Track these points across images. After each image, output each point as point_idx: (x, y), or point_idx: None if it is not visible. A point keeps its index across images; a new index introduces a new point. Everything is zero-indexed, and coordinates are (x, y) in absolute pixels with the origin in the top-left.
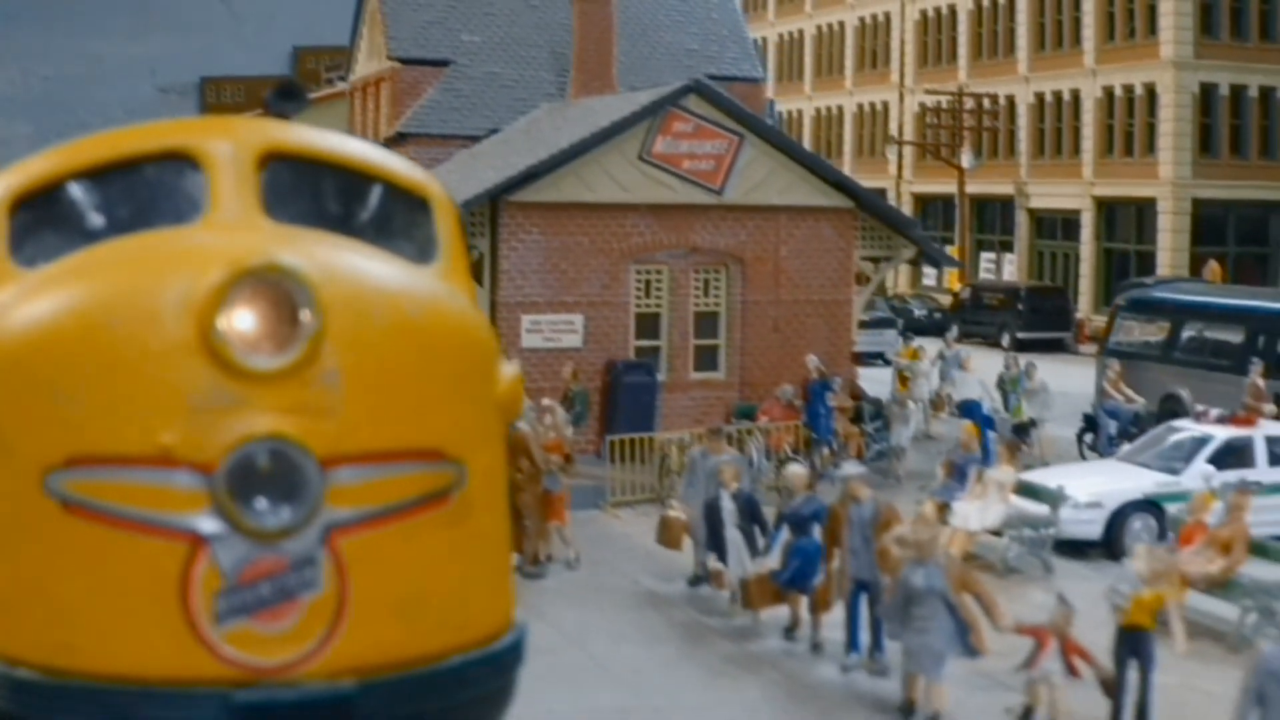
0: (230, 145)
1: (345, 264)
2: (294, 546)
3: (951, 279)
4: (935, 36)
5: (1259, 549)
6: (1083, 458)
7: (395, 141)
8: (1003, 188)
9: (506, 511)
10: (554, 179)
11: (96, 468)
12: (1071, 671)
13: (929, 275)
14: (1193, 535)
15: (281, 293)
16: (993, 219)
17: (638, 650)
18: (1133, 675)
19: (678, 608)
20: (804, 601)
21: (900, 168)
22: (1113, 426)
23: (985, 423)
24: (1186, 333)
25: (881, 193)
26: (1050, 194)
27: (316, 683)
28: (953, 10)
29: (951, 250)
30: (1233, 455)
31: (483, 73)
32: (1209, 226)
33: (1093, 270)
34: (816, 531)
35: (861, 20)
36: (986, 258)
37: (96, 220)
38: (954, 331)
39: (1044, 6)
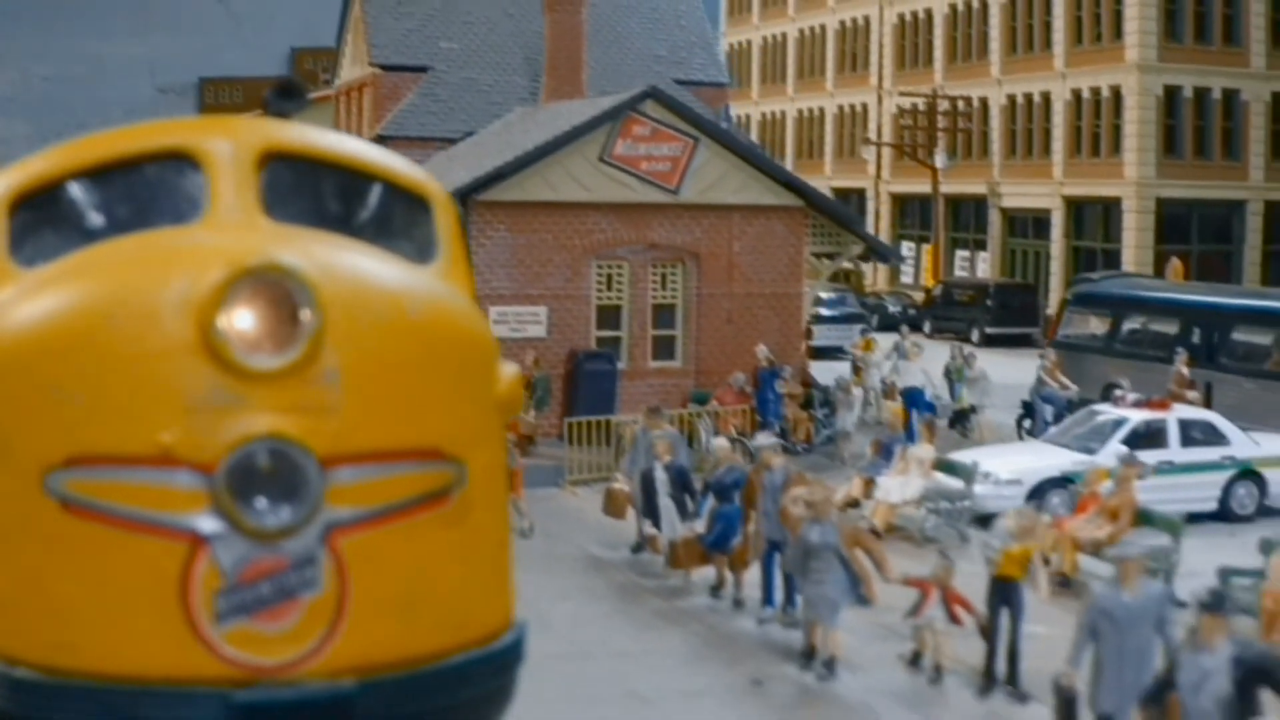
0: (230, 145)
1: (345, 263)
2: (294, 546)
3: (927, 276)
4: (912, 40)
5: (1144, 517)
6: (1021, 440)
7: (376, 144)
8: (976, 187)
9: (507, 511)
10: (520, 179)
11: (96, 467)
12: (953, 619)
13: (906, 273)
14: (1087, 505)
15: (281, 292)
16: (967, 218)
17: (578, 607)
18: (1005, 621)
19: (619, 571)
20: (727, 561)
21: (879, 168)
22: (1049, 412)
23: (926, 408)
24: (1127, 325)
25: (860, 192)
26: (1022, 193)
27: (316, 682)
28: (929, 14)
29: (927, 249)
30: (1146, 437)
31: (460, 78)
32: (1173, 225)
33: (1062, 267)
34: (739, 498)
35: (842, 24)
36: (961, 256)
37: (96, 220)
38: (908, 326)
39: (1016, 11)
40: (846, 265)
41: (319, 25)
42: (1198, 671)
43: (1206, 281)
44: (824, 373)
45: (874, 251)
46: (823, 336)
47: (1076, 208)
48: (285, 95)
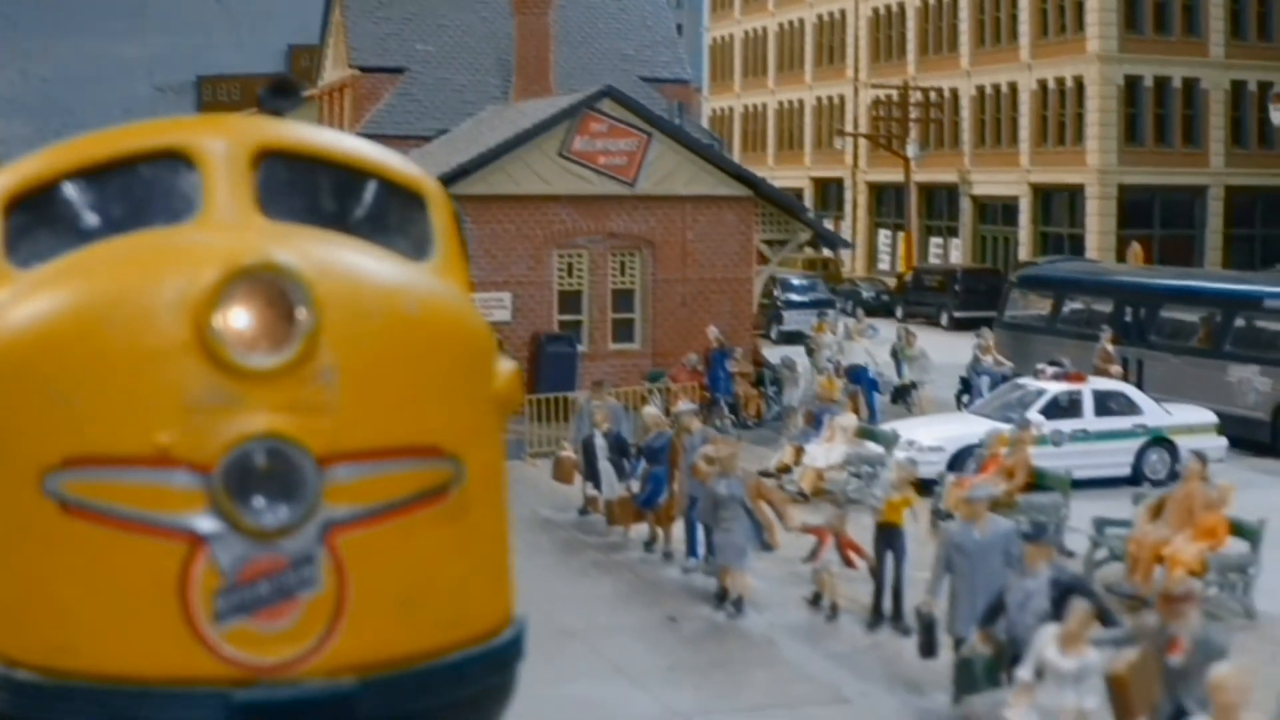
0: (224, 143)
1: (341, 261)
2: (292, 545)
3: (902, 263)
4: (886, 33)
5: (1039, 476)
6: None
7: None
8: (948, 176)
9: (505, 507)
10: (484, 174)
11: (94, 468)
12: (847, 563)
13: (883, 260)
14: (989, 466)
15: (277, 290)
16: (940, 205)
17: (522, 560)
18: (890, 563)
19: (564, 530)
20: (656, 517)
21: (856, 158)
22: (985, 387)
23: (870, 385)
24: (1067, 306)
25: (839, 182)
26: (991, 181)
27: (316, 681)
28: (902, 8)
29: (903, 236)
30: (1063, 407)
31: (435, 78)
32: (1136, 210)
33: (1030, 253)
34: (666, 460)
35: (820, 18)
36: (935, 242)
37: (91, 220)
38: (862, 311)
39: (984, 4)
40: (826, 254)
41: (315, 22)
42: (1022, 593)
43: (1169, 265)
44: (793, 355)
45: (821, 238)
46: (792, 321)
47: (1043, 195)
48: (279, 93)
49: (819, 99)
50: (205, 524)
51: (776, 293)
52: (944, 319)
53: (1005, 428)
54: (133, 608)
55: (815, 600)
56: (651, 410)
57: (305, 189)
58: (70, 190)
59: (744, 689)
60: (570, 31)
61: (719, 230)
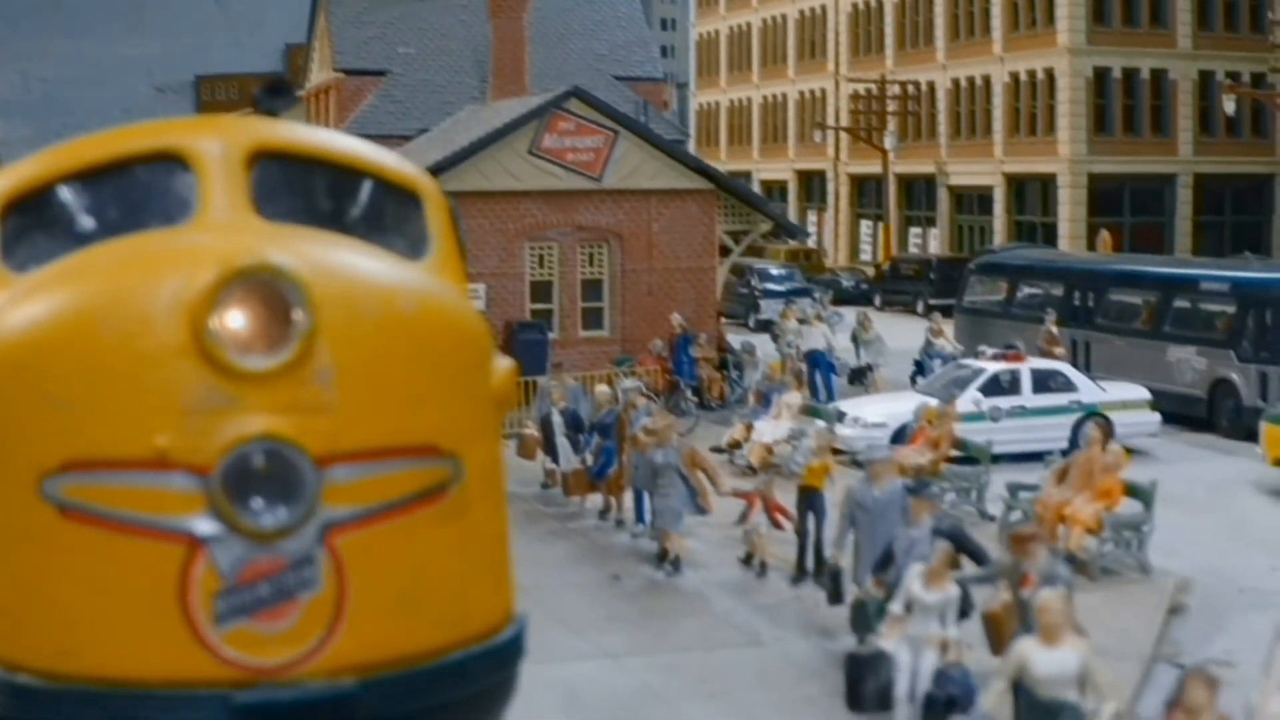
0: (219, 144)
1: (337, 261)
2: (292, 546)
3: (883, 253)
4: (865, 28)
5: (962, 446)
6: None
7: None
8: (926, 167)
9: (504, 505)
10: (458, 172)
11: (92, 472)
12: (775, 524)
13: (866, 250)
14: (917, 438)
15: (273, 292)
16: (919, 196)
17: None
18: (811, 523)
19: (525, 502)
20: (607, 487)
21: (837, 151)
22: (936, 368)
23: (827, 368)
24: (1021, 291)
25: (821, 174)
26: (967, 172)
27: (317, 682)
28: (880, 2)
29: (882, 226)
30: (1001, 385)
31: (416, 80)
32: (1106, 199)
33: (1005, 241)
34: (615, 435)
35: (801, 13)
36: (915, 232)
37: (87, 223)
38: (829, 295)
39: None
40: (811, 245)
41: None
42: (908, 540)
43: (1140, 252)
44: (754, 341)
45: (782, 228)
46: (769, 310)
47: (1017, 184)
48: (274, 93)
49: (802, 93)
50: (204, 526)
51: (754, 282)
52: (920, 306)
53: (934, 403)
54: (133, 611)
55: (747, 560)
56: (603, 389)
57: (301, 189)
58: (66, 193)
59: (671, 635)
60: (546, 33)
61: (683, 222)
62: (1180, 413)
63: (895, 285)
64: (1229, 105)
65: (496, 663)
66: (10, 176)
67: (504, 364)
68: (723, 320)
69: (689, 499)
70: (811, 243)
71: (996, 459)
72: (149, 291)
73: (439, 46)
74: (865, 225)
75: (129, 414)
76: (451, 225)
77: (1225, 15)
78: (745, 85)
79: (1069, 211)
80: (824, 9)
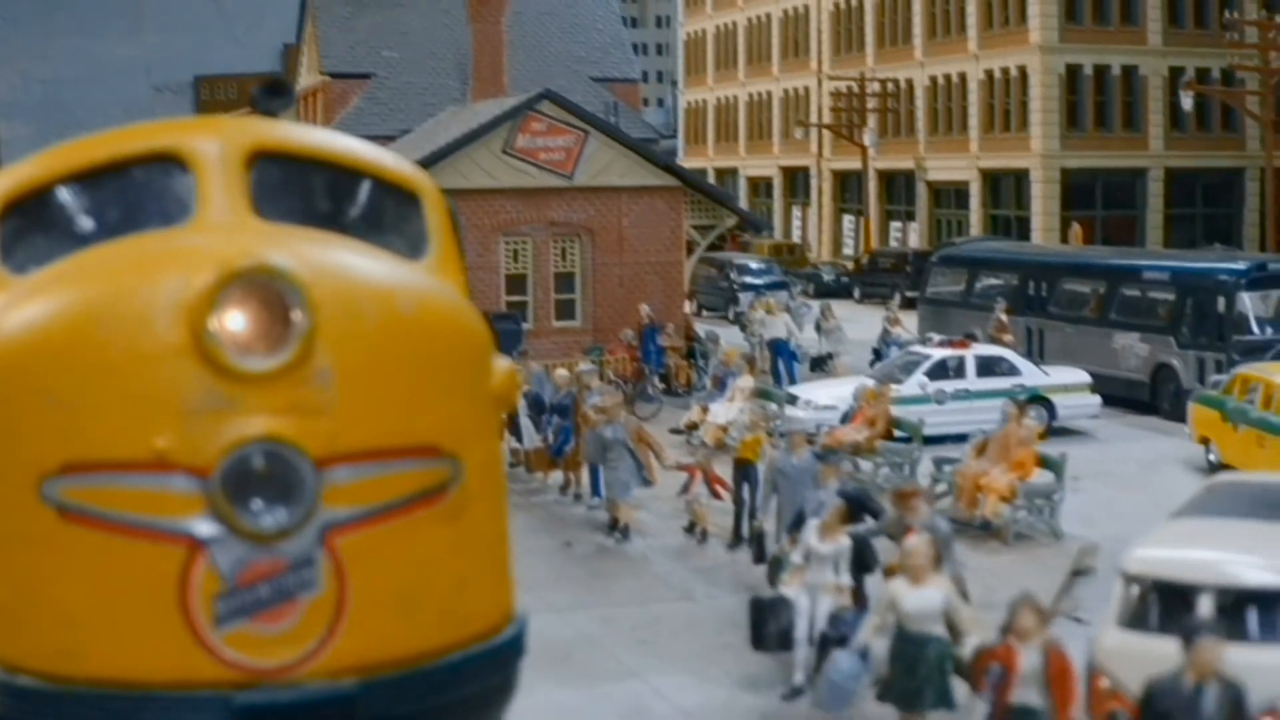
0: (218, 145)
1: (336, 262)
2: (292, 547)
3: (864, 247)
4: (847, 26)
5: (897, 424)
6: None
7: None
8: (905, 163)
9: (504, 504)
10: (435, 171)
11: (92, 473)
12: (714, 495)
13: (849, 244)
14: (857, 417)
15: (272, 293)
16: (899, 191)
17: None
18: (745, 493)
19: None
20: (565, 464)
21: (820, 147)
22: (893, 355)
23: (789, 356)
24: (979, 282)
25: (805, 170)
26: (944, 167)
27: (317, 683)
28: (860, 2)
29: (863, 220)
30: (947, 370)
31: (400, 82)
32: (1079, 193)
33: (981, 234)
34: (572, 414)
35: (785, 12)
36: (895, 226)
37: (86, 224)
38: (798, 288)
39: None
40: (795, 240)
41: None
42: (817, 501)
43: (1113, 245)
44: (717, 330)
45: (747, 222)
46: (747, 302)
47: (992, 179)
48: (273, 93)
49: (786, 91)
50: (204, 528)
51: (733, 276)
52: (897, 298)
53: (871, 384)
54: (133, 612)
55: (690, 528)
56: (562, 373)
57: (299, 190)
58: (65, 195)
59: (612, 592)
60: (526, 37)
61: (651, 218)
62: (1125, 396)
63: (874, 278)
64: (1186, 102)
65: (497, 663)
66: (9, 178)
67: (502, 363)
68: (703, 313)
69: (636, 471)
70: (796, 237)
71: (943, 439)
72: (148, 293)
73: (422, 50)
74: (848, 220)
75: (128, 416)
76: (450, 225)
77: (1195, 13)
78: (731, 83)
79: (1042, 205)
80: (807, 8)
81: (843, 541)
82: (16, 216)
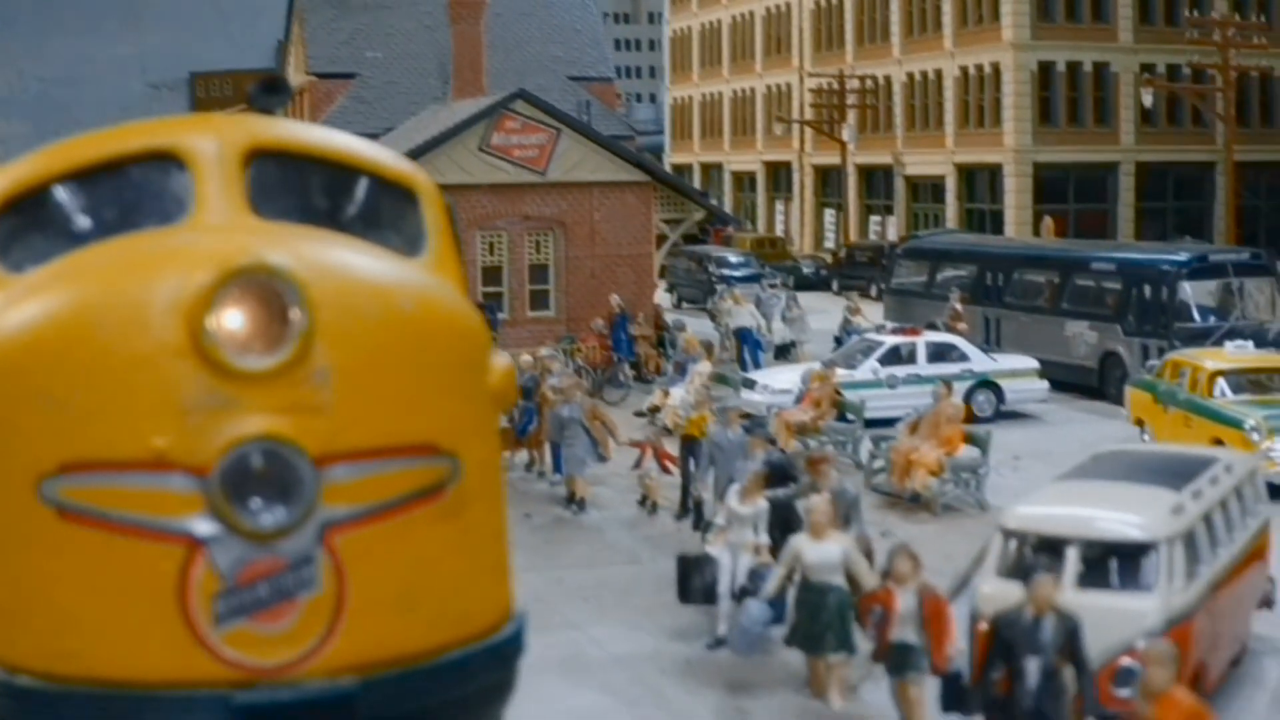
0: (215, 143)
1: (334, 260)
2: (291, 546)
3: (844, 240)
4: (827, 24)
5: (841, 405)
6: None
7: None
8: (883, 158)
9: (503, 502)
10: None
11: (90, 473)
12: (664, 470)
13: (830, 237)
14: (805, 399)
15: (270, 292)
16: (878, 185)
17: None
18: (692, 466)
19: None
20: (528, 443)
21: (802, 143)
22: (852, 343)
23: (754, 344)
24: (940, 273)
25: (788, 165)
26: (921, 162)
27: (317, 682)
28: (841, 0)
29: (844, 215)
30: (899, 356)
31: (383, 82)
32: (1051, 187)
33: (957, 228)
34: (536, 397)
35: (768, 10)
36: (874, 220)
37: (83, 223)
38: (769, 280)
39: None
40: (779, 234)
41: None
42: (745, 470)
43: (1085, 238)
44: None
45: (715, 216)
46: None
47: (967, 174)
48: (269, 91)
49: (769, 87)
50: (203, 527)
51: (712, 269)
52: (874, 290)
53: (817, 367)
54: (132, 612)
55: (642, 501)
56: (525, 357)
57: (297, 187)
58: (62, 193)
59: (564, 557)
60: (506, 37)
61: (622, 212)
62: (1076, 382)
63: (851, 271)
64: (1147, 99)
65: (496, 661)
66: (6, 176)
67: (501, 361)
68: (683, 304)
69: (591, 448)
70: (779, 231)
71: (896, 420)
72: (146, 292)
73: (405, 51)
74: (829, 214)
75: (127, 415)
76: (448, 222)
77: (1166, 10)
78: (716, 80)
79: (1015, 199)
80: (789, 6)
81: (760, 504)
82: (14, 215)
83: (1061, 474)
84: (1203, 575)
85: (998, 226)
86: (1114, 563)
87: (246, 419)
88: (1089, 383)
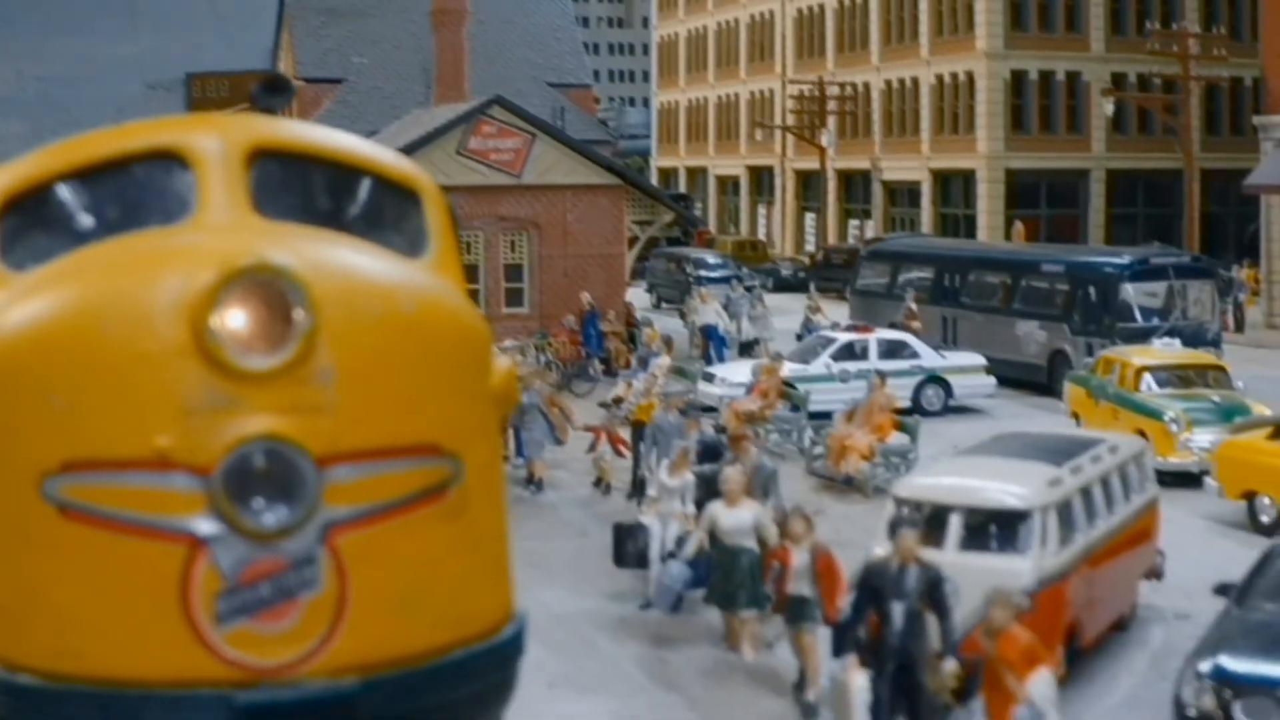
0: (218, 142)
1: (337, 260)
2: (293, 546)
3: (823, 243)
4: (809, 32)
5: (788, 396)
6: None
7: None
8: (862, 163)
9: (504, 503)
10: None
11: (93, 472)
12: (618, 453)
13: (810, 241)
14: (756, 390)
15: (274, 292)
16: (857, 190)
17: None
18: (642, 449)
19: None
20: None
21: (784, 148)
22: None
23: (719, 340)
24: (901, 275)
25: (769, 169)
26: (898, 167)
27: (318, 682)
28: (821, 9)
29: (823, 218)
30: (851, 351)
31: (368, 87)
32: (1024, 192)
33: (932, 232)
34: None
35: (752, 17)
36: (853, 224)
37: (86, 221)
38: (757, 281)
39: (890, 5)
40: (760, 237)
41: None
42: (681, 449)
43: (1056, 243)
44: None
45: (683, 218)
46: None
47: (942, 179)
48: (272, 90)
49: (752, 93)
50: (205, 526)
51: (690, 270)
52: (849, 291)
53: (802, 367)
54: (134, 611)
55: (598, 483)
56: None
57: (300, 187)
58: (64, 192)
59: (519, 531)
60: (489, 45)
61: (594, 214)
62: (1027, 379)
63: (828, 273)
64: (1107, 108)
65: (497, 661)
66: (9, 175)
67: (503, 362)
68: (662, 304)
69: (549, 432)
70: (762, 234)
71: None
72: (149, 291)
73: (390, 57)
74: (810, 217)
75: (129, 414)
76: (450, 223)
77: (1137, 21)
78: (702, 85)
79: (987, 204)
80: (772, 14)
81: (687, 478)
82: (16, 214)
83: (959, 451)
84: (1078, 542)
85: (971, 231)
86: (993, 528)
87: (249, 419)
88: (1039, 380)
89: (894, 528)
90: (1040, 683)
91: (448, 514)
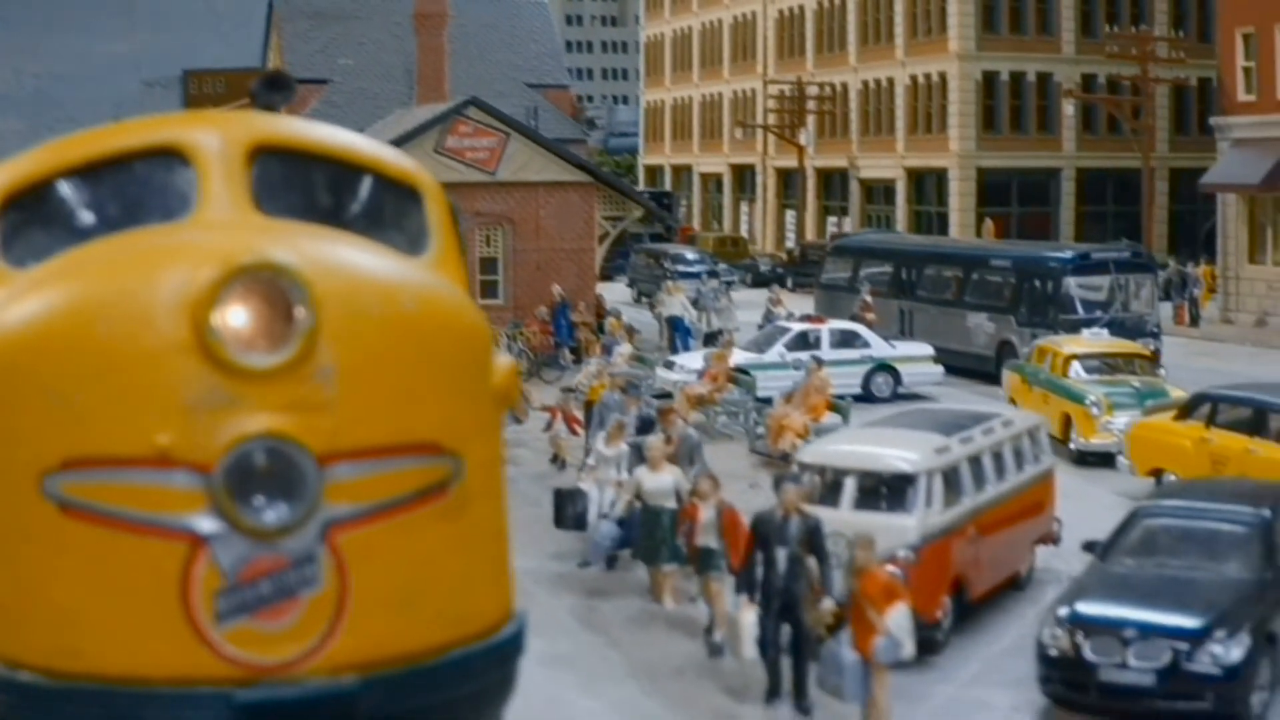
0: (219, 139)
1: (338, 258)
2: (293, 544)
3: (801, 239)
4: (790, 33)
5: (737, 381)
6: None
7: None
8: (840, 161)
9: (505, 502)
10: None
11: (93, 469)
12: (572, 431)
13: (790, 238)
14: (707, 375)
15: (275, 289)
16: (835, 188)
17: None
18: (592, 426)
19: None
20: None
21: (765, 147)
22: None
23: (684, 330)
24: (863, 270)
25: (751, 167)
26: (874, 166)
27: (318, 679)
28: (801, 10)
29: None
30: (804, 341)
31: (354, 88)
32: (995, 191)
33: (906, 229)
34: None
35: (735, 18)
36: (832, 221)
37: (87, 218)
38: (734, 277)
39: (867, 8)
40: (743, 234)
41: None
42: (616, 422)
43: (1026, 239)
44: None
45: (653, 214)
46: None
47: (916, 177)
48: (273, 87)
49: (735, 92)
50: (206, 524)
51: (667, 265)
52: (815, 285)
53: (757, 355)
54: (135, 608)
55: (554, 459)
56: None
57: (301, 185)
58: (65, 189)
59: None
60: (470, 47)
61: (566, 210)
62: (977, 369)
63: (804, 269)
64: (1069, 109)
65: (497, 660)
66: (9, 171)
67: (503, 361)
68: (642, 299)
69: (508, 416)
70: (744, 231)
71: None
72: (150, 288)
73: (374, 59)
74: (790, 215)
75: (130, 411)
76: (451, 221)
77: (1108, 23)
78: (687, 85)
79: (959, 202)
80: (754, 15)
81: (622, 448)
82: (16, 210)
83: (866, 423)
84: (964, 505)
85: (944, 228)
86: (884, 490)
87: (250, 416)
88: (988, 369)
89: (778, 483)
90: (897, 615)
91: (448, 513)
